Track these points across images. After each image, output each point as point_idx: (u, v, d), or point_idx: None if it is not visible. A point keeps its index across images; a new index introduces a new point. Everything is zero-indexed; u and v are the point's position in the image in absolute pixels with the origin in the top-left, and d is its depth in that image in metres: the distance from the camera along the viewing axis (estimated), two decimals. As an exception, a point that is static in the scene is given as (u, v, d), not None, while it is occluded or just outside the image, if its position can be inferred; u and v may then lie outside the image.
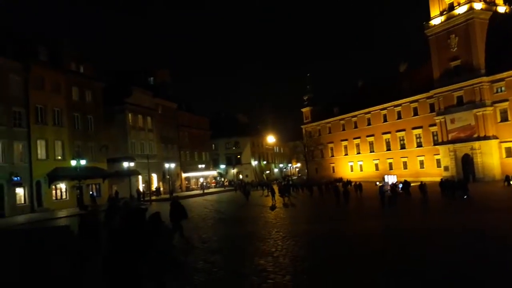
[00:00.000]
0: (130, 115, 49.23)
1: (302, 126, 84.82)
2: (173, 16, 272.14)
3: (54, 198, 37.23)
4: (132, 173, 43.98)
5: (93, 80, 43.46)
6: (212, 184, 67.54)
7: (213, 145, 77.49)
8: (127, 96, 48.84)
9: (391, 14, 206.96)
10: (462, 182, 28.83)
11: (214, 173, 72.31)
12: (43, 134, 36.20)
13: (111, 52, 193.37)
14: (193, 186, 62.62)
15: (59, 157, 37.83)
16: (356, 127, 69.26)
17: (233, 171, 76.07)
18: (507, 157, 45.66)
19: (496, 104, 46.38)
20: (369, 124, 66.22)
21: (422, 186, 29.01)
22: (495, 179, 44.00)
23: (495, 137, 46.39)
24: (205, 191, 53.86)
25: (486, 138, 46.60)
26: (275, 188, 38.78)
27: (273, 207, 28.36)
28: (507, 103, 45.33)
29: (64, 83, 39.26)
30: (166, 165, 49.25)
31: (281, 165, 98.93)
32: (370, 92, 66.87)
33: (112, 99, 46.00)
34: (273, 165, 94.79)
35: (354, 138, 69.77)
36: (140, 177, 48.24)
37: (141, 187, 48.89)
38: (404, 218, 20.51)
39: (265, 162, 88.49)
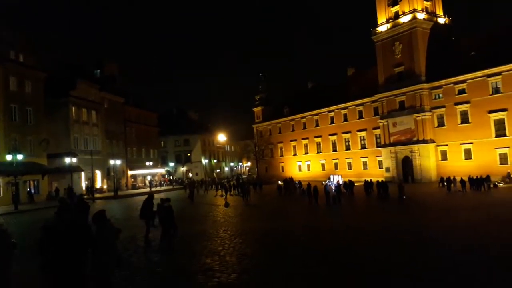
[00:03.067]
0: (73, 108, 46.88)
1: (253, 126, 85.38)
2: (127, 10, 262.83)
3: (-14, 195, 34.66)
4: (74, 169, 41.93)
5: (34, 69, 40.87)
6: (165, 182, 65.98)
7: (162, 142, 75.76)
8: (71, 89, 46.43)
9: (342, 18, 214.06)
10: (399, 184, 30.49)
11: (162, 171, 70.76)
12: (-25, 126, 33.53)
13: (61, 43, 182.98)
14: (140, 184, 60.90)
15: (-7, 151, 35.26)
16: (305, 127, 70.86)
17: (183, 169, 74.98)
18: (442, 160, 48.84)
19: (434, 110, 49.44)
20: (317, 125, 68.02)
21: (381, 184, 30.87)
22: (432, 180, 46.94)
23: (432, 141, 49.47)
24: (153, 189, 52.61)
25: (424, 141, 49.57)
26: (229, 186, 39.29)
27: (226, 204, 28.31)
28: (444, 109, 48.46)
29: (0, 72, 36.58)
30: (111, 162, 47.49)
31: (231, 164, 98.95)
32: (319, 94, 68.85)
33: (55, 91, 43.56)
34: (223, 164, 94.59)
35: (303, 139, 71.37)
36: (83, 174, 46.13)
37: (83, 184, 46.80)
38: (347, 216, 21.34)
39: (215, 161, 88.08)
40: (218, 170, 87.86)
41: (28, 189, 38.40)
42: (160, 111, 75.16)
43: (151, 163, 64.91)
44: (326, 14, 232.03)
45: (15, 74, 38.31)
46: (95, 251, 6.13)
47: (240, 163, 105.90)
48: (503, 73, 42.35)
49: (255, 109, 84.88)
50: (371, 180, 36.37)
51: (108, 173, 51.51)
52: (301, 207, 27.10)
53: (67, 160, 40.27)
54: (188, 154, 78.55)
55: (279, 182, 43.89)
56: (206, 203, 32.64)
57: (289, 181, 44.05)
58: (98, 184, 50.19)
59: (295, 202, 30.87)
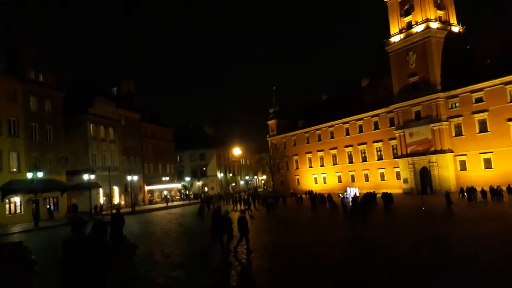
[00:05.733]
0: (91, 126, 47.84)
1: (268, 139, 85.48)
2: (140, 26, 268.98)
3: (7, 212, 35.36)
4: (93, 186, 42.55)
5: (53, 89, 41.94)
6: (176, 197, 66.28)
7: (178, 157, 76.47)
8: (89, 106, 47.51)
9: (354, 29, 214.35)
10: (387, 196, 29.87)
11: (178, 185, 71.19)
12: (-3, 145, 34.45)
13: (76, 60, 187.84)
14: (157, 199, 61.33)
15: (14, 169, 36.09)
16: (320, 140, 70.58)
17: (199, 183, 75.31)
18: (461, 170, 47.91)
19: (451, 119, 48.74)
20: (332, 137, 67.70)
21: (386, 196, 30.12)
22: (451, 191, 45.89)
23: (450, 151, 48.63)
24: (169, 204, 52.89)
25: (442, 151, 48.76)
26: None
27: (251, 217, 27.96)
28: (461, 118, 47.74)
29: (21, 92, 37.68)
30: (129, 178, 48.06)
31: (247, 177, 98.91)
32: (333, 105, 68.71)
33: (73, 109, 44.57)
34: (239, 178, 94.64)
35: (318, 151, 71.02)
36: (101, 190, 46.77)
37: (101, 200, 47.38)
38: (365, 229, 21.00)
39: (231, 175, 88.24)
40: (233, 184, 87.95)
41: (48, 206, 39.04)
42: (175, 126, 76.14)
43: (167, 178, 65.42)
44: (340, 25, 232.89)
45: (35, 94, 39.37)
46: (112, 267, 6.20)
47: (255, 177, 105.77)
48: (521, 80, 41.62)
49: (270, 122, 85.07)
50: (374, 192, 35.85)
51: (125, 189, 52.08)
52: (336, 222, 26.50)
53: (86, 176, 40.91)
54: (204, 169, 78.95)
55: (303, 195, 43.20)
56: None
57: (314, 195, 43.21)
58: (116, 200, 50.75)
59: (327, 217, 29.79)
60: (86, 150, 46.44)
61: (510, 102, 42.79)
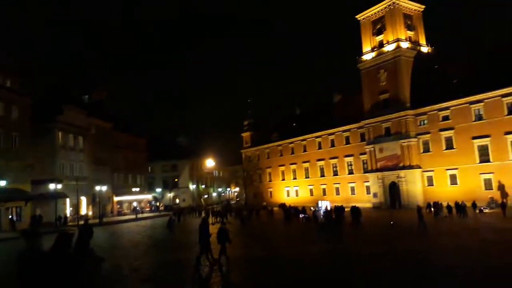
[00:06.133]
0: (60, 134, 46.45)
1: (241, 151, 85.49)
2: (117, 36, 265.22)
3: (-34, 222, 33.65)
4: (59, 195, 41.13)
5: (21, 95, 40.59)
6: (146, 209, 64.88)
7: (150, 167, 75.14)
8: (58, 114, 46.16)
9: (328, 46, 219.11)
10: (355, 209, 30.35)
11: (149, 197, 69.85)
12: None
13: (48, 66, 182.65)
14: (126, 211, 59.88)
15: (-25, 177, 34.50)
16: (293, 153, 71.19)
17: (170, 195, 74.19)
18: (428, 185, 49.30)
19: (420, 136, 50.27)
20: (305, 150, 68.43)
21: (354, 210, 30.47)
22: (419, 206, 47.16)
23: (418, 167, 50.05)
24: (139, 216, 51.77)
25: (410, 167, 50.12)
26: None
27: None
28: (429, 135, 49.32)
29: (-14, 97, 36.26)
30: (97, 188, 46.77)
31: (219, 189, 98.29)
32: (306, 120, 69.70)
33: (42, 116, 43.15)
34: (211, 189, 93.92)
35: (291, 164, 71.55)
36: (68, 200, 45.25)
37: (68, 211, 45.83)
38: (340, 242, 21.18)
39: (203, 186, 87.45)
40: (206, 196, 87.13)
41: (10, 216, 37.40)
42: (149, 136, 74.99)
43: (138, 189, 64.12)
44: (313, 41, 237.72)
45: (1, 100, 37.97)
46: (76, 280, 5.97)
47: (228, 189, 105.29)
48: (485, 100, 43.50)
49: (244, 134, 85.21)
50: (342, 205, 36.22)
51: (93, 200, 50.63)
52: (310, 235, 26.61)
53: (52, 186, 39.54)
54: (176, 180, 77.90)
55: (275, 208, 43.27)
56: (194, 230, 32.08)
57: (288, 208, 43.46)
58: (84, 210, 49.21)
59: (301, 230, 30.04)
60: (54, 158, 44.96)
61: (475, 121, 44.58)
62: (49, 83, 54.81)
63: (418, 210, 27.10)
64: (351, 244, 20.56)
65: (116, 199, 58.61)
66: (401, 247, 17.89)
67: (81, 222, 41.44)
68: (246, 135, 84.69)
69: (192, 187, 79.06)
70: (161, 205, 68.19)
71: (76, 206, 44.71)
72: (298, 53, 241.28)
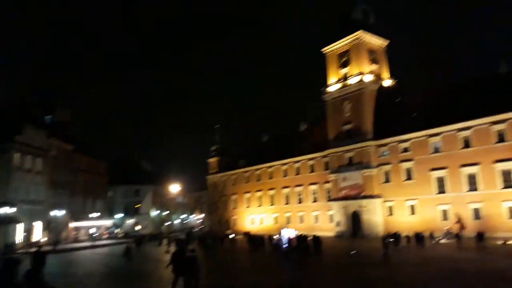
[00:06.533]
0: (17, 154, 44.38)
1: (207, 177, 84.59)
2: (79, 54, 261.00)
3: None
4: (10, 220, 38.86)
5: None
6: (104, 236, 62.18)
7: (110, 192, 72.68)
8: (16, 134, 44.22)
9: (296, 77, 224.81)
10: (316, 239, 30.57)
11: (108, 223, 67.15)
12: None
13: (14, 85, 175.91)
14: (83, 237, 57.19)
15: None
16: (259, 180, 71.15)
17: (131, 221, 71.73)
18: (389, 215, 50.43)
19: (381, 166, 51.72)
20: (271, 178, 68.60)
21: (315, 239, 30.46)
22: (379, 235, 47.87)
23: (380, 197, 51.22)
24: (96, 243, 49.59)
25: (372, 197, 51.22)
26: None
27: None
28: (390, 166, 50.85)
29: None
30: (52, 213, 44.54)
31: (183, 216, 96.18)
32: (273, 147, 70.29)
33: (-2, 136, 41.31)
34: (174, 216, 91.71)
35: (257, 191, 71.36)
36: (21, 225, 42.75)
37: (20, 236, 43.21)
38: (305, 272, 21.06)
39: (166, 213, 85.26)
40: (168, 223, 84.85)
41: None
42: (111, 159, 73.03)
43: (97, 215, 61.66)
44: (281, 70, 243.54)
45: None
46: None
47: (192, 215, 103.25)
48: (442, 134, 45.59)
49: (210, 160, 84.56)
50: (303, 234, 36.13)
51: (48, 225, 48.15)
52: (275, 264, 26.22)
53: (2, 210, 37.39)
54: (138, 205, 75.61)
55: (239, 236, 42.49)
56: (157, 259, 31.07)
57: (253, 237, 42.76)
58: (37, 236, 46.56)
59: (266, 259, 29.84)
60: (8, 180, 42.69)
61: (433, 153, 46.47)
62: (10, 101, 52.34)
63: (383, 240, 27.61)
64: (312, 273, 20.51)
65: (73, 225, 56.02)
66: (362, 277, 18.03)
67: (34, 249, 39.32)
68: (213, 160, 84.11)
69: (154, 213, 76.95)
70: (120, 232, 65.68)
71: (28, 232, 42.28)
72: (266, 83, 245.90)
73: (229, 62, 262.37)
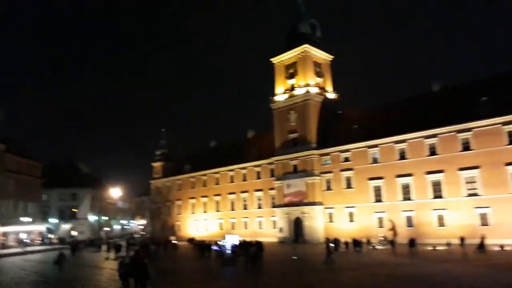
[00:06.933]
0: None
1: (151, 181, 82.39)
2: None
3: None
4: None
5: None
6: (36, 241, 58.17)
7: (45, 195, 68.28)
8: None
9: (244, 85, 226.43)
10: (258, 244, 31.00)
11: (42, 228, 63.02)
12: None
13: None
14: (12, 243, 53.13)
15: None
16: (205, 185, 70.63)
17: (67, 226, 67.88)
18: (329, 221, 52.16)
19: (323, 175, 53.46)
20: (217, 183, 68.36)
21: (258, 245, 30.63)
22: (320, 241, 49.39)
23: (321, 204, 52.87)
24: (27, 249, 46.37)
25: (313, 204, 52.73)
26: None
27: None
28: (331, 174, 52.69)
29: None
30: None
31: (123, 222, 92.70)
32: (220, 153, 70.25)
33: None
34: (114, 221, 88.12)
35: (202, 197, 70.75)
36: None
37: None
38: (248, 278, 21.12)
39: (105, 218, 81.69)
40: (107, 229, 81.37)
41: None
42: (46, 160, 68.78)
43: (28, 219, 57.63)
44: (232, 79, 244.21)
45: None
46: None
47: (133, 221, 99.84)
48: (380, 145, 48.12)
49: (155, 164, 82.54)
50: (245, 240, 36.40)
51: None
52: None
53: None
54: (75, 210, 71.71)
55: (182, 243, 41.62)
56: (94, 265, 29.68)
57: (199, 243, 42.02)
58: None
59: (210, 264, 29.55)
60: None
61: (371, 164, 48.79)
62: None
63: (326, 244, 28.48)
64: (254, 279, 20.69)
65: (1, 229, 51.92)
66: (303, 281, 18.47)
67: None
68: (157, 165, 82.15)
69: (92, 218, 73.45)
70: (54, 237, 61.90)
71: None
72: (215, 90, 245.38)
73: (179, 70, 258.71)
